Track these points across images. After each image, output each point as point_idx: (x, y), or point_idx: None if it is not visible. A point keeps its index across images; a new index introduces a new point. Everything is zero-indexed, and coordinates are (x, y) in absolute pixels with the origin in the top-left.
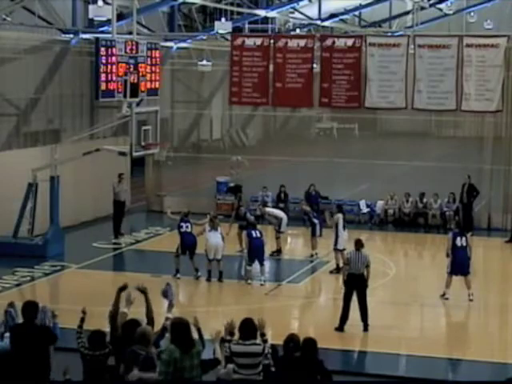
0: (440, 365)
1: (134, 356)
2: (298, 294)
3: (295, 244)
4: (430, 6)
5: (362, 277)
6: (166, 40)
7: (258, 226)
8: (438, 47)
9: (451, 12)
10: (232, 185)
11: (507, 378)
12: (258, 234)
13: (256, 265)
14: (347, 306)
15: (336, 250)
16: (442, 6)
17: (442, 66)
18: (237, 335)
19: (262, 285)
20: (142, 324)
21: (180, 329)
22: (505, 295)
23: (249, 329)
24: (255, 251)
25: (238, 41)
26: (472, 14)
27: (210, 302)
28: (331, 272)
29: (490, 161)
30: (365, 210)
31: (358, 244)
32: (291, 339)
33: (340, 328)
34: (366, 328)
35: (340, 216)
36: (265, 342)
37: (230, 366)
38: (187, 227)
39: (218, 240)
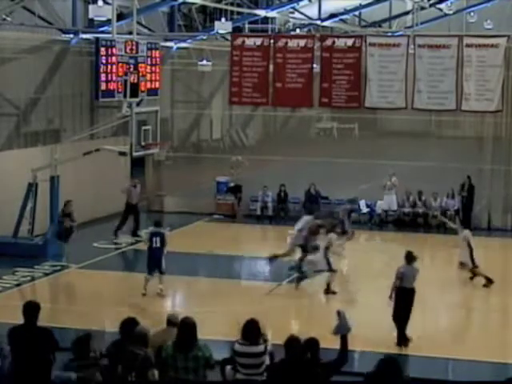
0: (440, 365)
1: (132, 356)
2: (298, 293)
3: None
4: (430, 5)
5: (413, 291)
6: (166, 40)
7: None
8: (437, 47)
9: (451, 12)
10: (232, 185)
11: (507, 378)
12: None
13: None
14: (400, 321)
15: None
16: (441, 5)
17: (441, 66)
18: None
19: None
20: (139, 323)
21: (184, 328)
22: (504, 295)
23: (252, 329)
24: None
25: (238, 41)
26: (472, 13)
27: (210, 302)
28: None
29: (489, 161)
30: (365, 209)
31: (410, 257)
32: (292, 340)
33: (399, 343)
34: (399, 342)
35: None
36: (265, 341)
37: (228, 367)
38: (156, 242)
39: None
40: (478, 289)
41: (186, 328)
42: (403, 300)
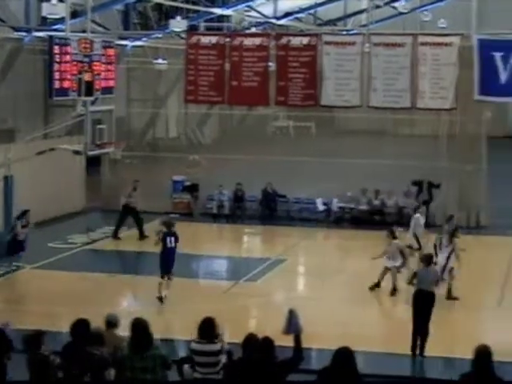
0: (397, 361)
1: (88, 357)
2: (256, 292)
3: (253, 242)
4: (385, 4)
5: (431, 295)
6: (121, 38)
7: None
8: (393, 45)
9: (406, 10)
10: (188, 183)
11: (461, 374)
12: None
13: None
14: (416, 325)
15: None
16: (396, 4)
17: (397, 65)
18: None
19: None
20: (90, 324)
21: (136, 329)
22: (464, 290)
23: (208, 328)
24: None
25: (194, 39)
26: (426, 12)
27: (167, 301)
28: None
29: (445, 158)
30: (321, 207)
31: (428, 260)
32: (250, 339)
33: (413, 350)
34: (421, 353)
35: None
36: (221, 340)
37: (186, 366)
38: (171, 242)
39: None
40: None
41: (138, 328)
42: (421, 303)
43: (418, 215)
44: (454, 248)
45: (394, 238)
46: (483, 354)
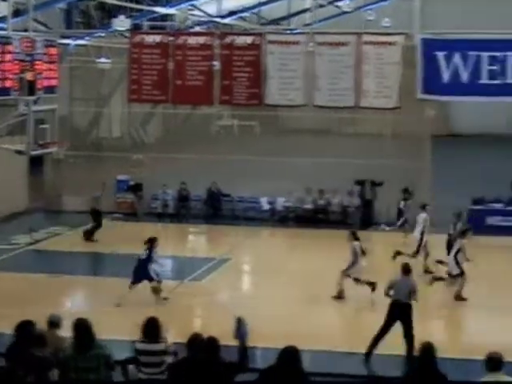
0: (340, 358)
1: (31, 358)
2: (201, 291)
3: (197, 242)
4: (329, 3)
5: (408, 306)
6: (64, 37)
7: None
8: (336, 45)
9: (350, 10)
10: (132, 183)
11: (406, 371)
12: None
13: None
14: (383, 333)
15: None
16: (340, 3)
17: (341, 64)
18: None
19: None
20: (35, 325)
21: (78, 329)
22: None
23: (152, 327)
24: None
25: (137, 38)
26: (370, 11)
27: (113, 301)
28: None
29: (389, 157)
30: (266, 206)
31: (406, 269)
32: (195, 339)
33: (367, 354)
34: (409, 354)
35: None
36: (166, 340)
37: (131, 366)
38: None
39: None
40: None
41: (81, 329)
42: (397, 315)
43: (425, 215)
44: (461, 248)
45: (356, 239)
46: (427, 351)
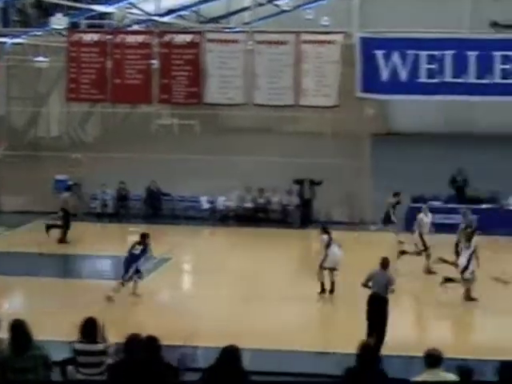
0: (281, 356)
1: None
2: (141, 291)
3: None
4: (268, 2)
5: (384, 300)
6: (0, 36)
7: None
8: (276, 43)
9: (289, 8)
10: (71, 183)
11: (347, 368)
12: None
13: None
14: (370, 327)
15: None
16: (279, 2)
17: (280, 62)
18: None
19: None
20: None
21: (15, 330)
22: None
23: (91, 328)
24: None
25: (75, 37)
26: (309, 10)
27: (49, 302)
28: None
29: (329, 155)
30: (206, 205)
31: (384, 263)
32: (133, 339)
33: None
34: (376, 353)
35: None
36: (105, 341)
37: (70, 367)
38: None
39: None
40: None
41: (17, 330)
42: (375, 306)
43: (421, 215)
44: (475, 249)
45: (325, 233)
46: (366, 349)
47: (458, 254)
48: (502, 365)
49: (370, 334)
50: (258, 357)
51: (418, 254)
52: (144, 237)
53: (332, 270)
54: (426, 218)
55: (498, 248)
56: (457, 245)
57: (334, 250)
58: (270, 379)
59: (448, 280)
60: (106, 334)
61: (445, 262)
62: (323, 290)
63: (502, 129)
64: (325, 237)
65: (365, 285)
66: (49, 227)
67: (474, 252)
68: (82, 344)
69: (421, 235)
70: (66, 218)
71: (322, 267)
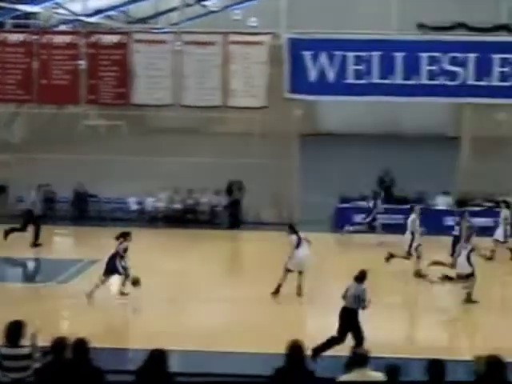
0: (211, 358)
1: None
2: (68, 293)
3: (64, 244)
4: (196, 2)
5: (352, 311)
6: None
7: None
8: (204, 44)
9: (217, 9)
10: None
11: (275, 369)
12: None
13: None
14: (338, 339)
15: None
16: (207, 3)
17: (208, 63)
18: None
19: None
20: None
21: None
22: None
23: (15, 331)
24: None
25: (0, 36)
26: (237, 11)
27: None
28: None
29: (257, 156)
30: (134, 207)
31: (358, 276)
32: (59, 342)
33: (316, 351)
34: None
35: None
36: (32, 345)
37: None
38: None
39: None
40: (248, 281)
41: None
42: (342, 320)
43: (413, 216)
44: (475, 248)
45: (293, 233)
46: (295, 349)
47: (453, 255)
48: (430, 363)
49: (334, 341)
50: (187, 358)
51: (406, 258)
52: (123, 236)
53: (299, 272)
54: (417, 221)
55: (426, 247)
56: (453, 246)
57: (303, 251)
58: (196, 380)
59: (447, 278)
60: (36, 338)
61: (440, 264)
62: (277, 291)
63: (428, 130)
64: (293, 237)
65: (344, 297)
66: None
67: (472, 250)
68: (7, 348)
69: (412, 237)
70: (31, 220)
71: (286, 269)
